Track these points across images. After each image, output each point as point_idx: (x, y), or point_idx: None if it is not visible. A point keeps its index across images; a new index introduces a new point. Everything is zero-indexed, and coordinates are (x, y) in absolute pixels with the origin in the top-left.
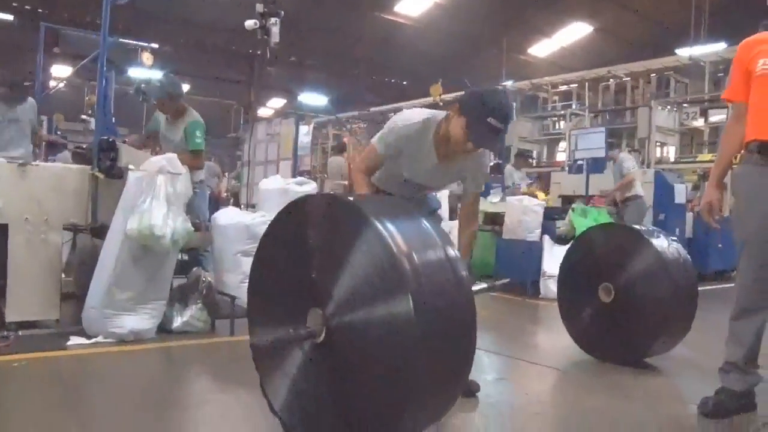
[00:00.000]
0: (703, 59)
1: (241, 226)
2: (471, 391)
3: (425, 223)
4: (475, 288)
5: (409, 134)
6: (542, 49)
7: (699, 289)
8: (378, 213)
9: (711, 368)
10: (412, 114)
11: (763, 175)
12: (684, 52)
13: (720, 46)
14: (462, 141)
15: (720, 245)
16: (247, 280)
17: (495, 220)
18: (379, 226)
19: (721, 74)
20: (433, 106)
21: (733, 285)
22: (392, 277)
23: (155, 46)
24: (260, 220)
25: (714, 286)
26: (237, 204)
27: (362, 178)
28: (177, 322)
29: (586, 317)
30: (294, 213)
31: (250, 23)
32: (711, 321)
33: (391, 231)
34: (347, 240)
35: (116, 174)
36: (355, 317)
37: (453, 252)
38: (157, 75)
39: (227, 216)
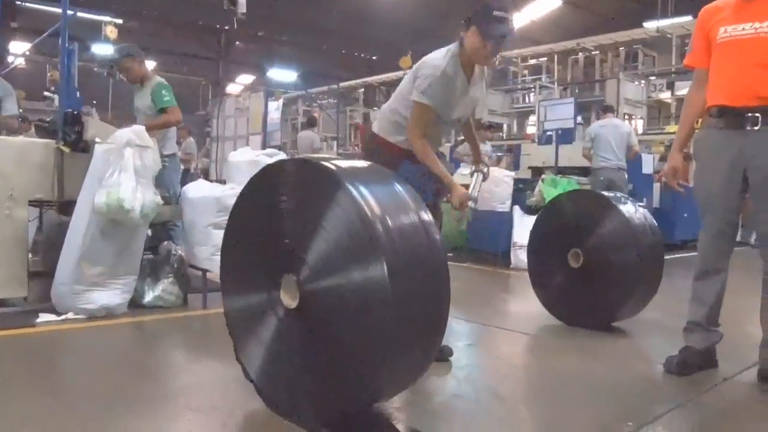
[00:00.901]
0: (670, 32)
1: (211, 199)
2: (444, 355)
3: (399, 187)
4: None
5: (448, 72)
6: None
7: (666, 257)
8: (351, 177)
9: (675, 329)
10: (435, 56)
11: (723, 138)
12: (651, 25)
13: (687, 19)
14: (480, 46)
15: (686, 215)
16: (219, 253)
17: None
18: (353, 190)
19: (688, 47)
20: (402, 78)
21: (697, 253)
22: (366, 242)
23: (119, 21)
24: (230, 192)
25: (680, 255)
26: (207, 180)
27: (424, 145)
28: (149, 296)
29: (555, 283)
30: (266, 179)
31: None
32: (676, 286)
33: (364, 195)
34: (320, 205)
35: (82, 147)
36: (329, 282)
37: (427, 216)
38: None
39: (197, 189)
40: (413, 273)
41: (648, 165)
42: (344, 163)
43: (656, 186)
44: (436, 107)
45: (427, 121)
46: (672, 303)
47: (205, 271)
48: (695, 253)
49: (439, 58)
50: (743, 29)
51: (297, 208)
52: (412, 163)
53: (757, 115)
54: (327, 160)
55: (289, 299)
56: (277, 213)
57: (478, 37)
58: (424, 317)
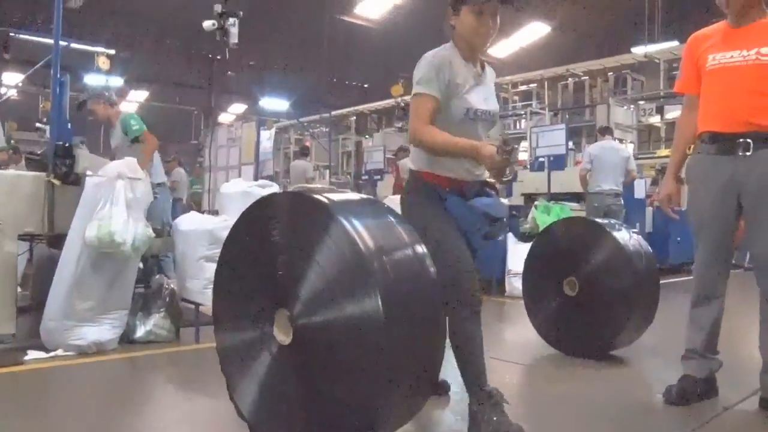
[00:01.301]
0: (658, 57)
1: (203, 231)
2: (443, 390)
3: (392, 219)
4: None
5: (443, 57)
6: (501, 49)
7: (660, 281)
8: (344, 209)
9: (674, 355)
10: (429, 52)
11: (715, 163)
12: (639, 50)
13: (673, 44)
14: (477, 23)
15: (679, 239)
16: (212, 286)
17: None
18: (346, 223)
19: (675, 71)
20: (394, 107)
21: (692, 277)
22: (360, 275)
23: (111, 51)
24: (223, 224)
25: (674, 279)
26: (199, 211)
27: (430, 128)
28: (140, 331)
29: (551, 312)
30: (259, 212)
31: (208, 24)
32: (672, 311)
33: (357, 228)
34: (313, 238)
35: (73, 180)
36: (323, 317)
37: (421, 248)
38: (114, 81)
39: (189, 221)
40: (408, 305)
41: (640, 189)
42: (336, 196)
43: (649, 210)
44: (440, 95)
45: (429, 110)
46: (669, 328)
47: (197, 304)
48: (689, 277)
49: (431, 52)
50: (732, 57)
51: (289, 241)
52: (460, 197)
53: (749, 140)
54: (319, 192)
55: (282, 335)
56: (270, 247)
57: (471, 15)
58: (421, 349)
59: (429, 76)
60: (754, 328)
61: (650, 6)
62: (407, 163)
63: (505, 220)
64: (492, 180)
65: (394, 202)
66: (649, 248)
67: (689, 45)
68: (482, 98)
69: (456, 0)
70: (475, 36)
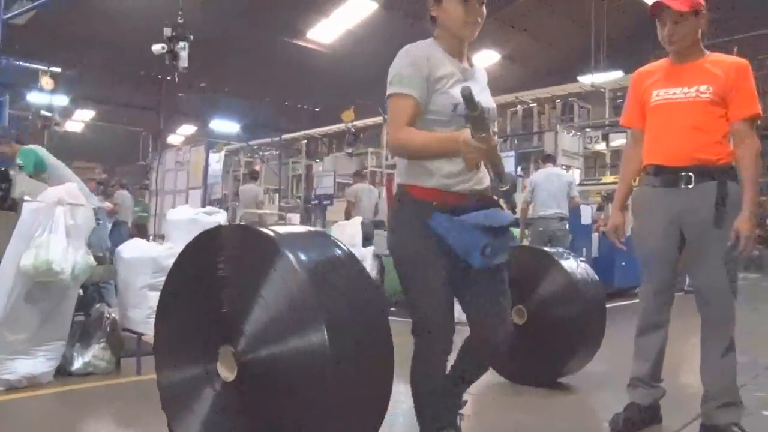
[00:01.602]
0: (603, 86)
1: (147, 259)
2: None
3: (340, 252)
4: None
5: (421, 49)
6: None
7: (606, 305)
8: (291, 243)
9: (620, 381)
10: (405, 46)
11: (660, 196)
12: (586, 79)
13: (618, 74)
14: (462, 13)
15: (623, 263)
16: (155, 316)
17: None
18: (292, 257)
19: (620, 100)
20: (345, 131)
21: (636, 301)
22: (306, 309)
23: (57, 69)
24: (168, 252)
25: (619, 303)
26: (143, 235)
27: (407, 130)
28: (78, 363)
29: None
30: (204, 244)
31: (157, 47)
32: (618, 337)
33: (303, 261)
34: (259, 272)
35: (9, 206)
36: (269, 352)
37: (368, 279)
38: (58, 99)
39: (132, 248)
40: (355, 338)
41: (587, 216)
42: (283, 229)
43: (594, 236)
44: (418, 93)
45: (409, 113)
46: (616, 353)
47: (140, 334)
48: (635, 300)
49: (408, 47)
50: (674, 93)
51: (235, 275)
52: (446, 213)
53: (691, 174)
54: (266, 225)
55: (226, 371)
56: (215, 280)
57: (457, 3)
58: (369, 382)
59: (404, 74)
60: (694, 353)
61: (596, 38)
62: (357, 189)
63: (511, 230)
64: (491, 192)
65: (343, 228)
66: (596, 276)
67: (634, 80)
68: (471, 86)
69: None
70: (462, 26)
